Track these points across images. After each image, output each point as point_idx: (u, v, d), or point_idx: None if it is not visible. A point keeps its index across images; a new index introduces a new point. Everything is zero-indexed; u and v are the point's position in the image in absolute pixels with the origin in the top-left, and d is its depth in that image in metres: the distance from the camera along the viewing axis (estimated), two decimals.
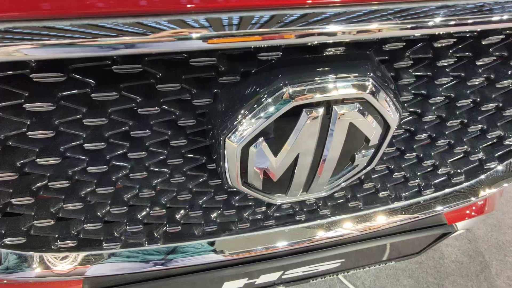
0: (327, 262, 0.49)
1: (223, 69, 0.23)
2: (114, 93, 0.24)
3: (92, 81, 0.23)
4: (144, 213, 0.37)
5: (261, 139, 0.24)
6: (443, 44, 0.27)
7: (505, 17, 0.21)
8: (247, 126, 0.23)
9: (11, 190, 0.31)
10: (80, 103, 0.25)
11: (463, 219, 0.67)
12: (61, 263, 0.38)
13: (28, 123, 0.25)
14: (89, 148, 0.27)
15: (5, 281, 0.39)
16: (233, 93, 0.24)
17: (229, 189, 0.37)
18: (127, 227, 0.37)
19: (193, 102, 0.24)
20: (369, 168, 0.32)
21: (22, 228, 0.35)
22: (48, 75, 0.21)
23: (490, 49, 0.29)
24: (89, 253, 0.38)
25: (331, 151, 0.27)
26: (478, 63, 0.29)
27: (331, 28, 0.20)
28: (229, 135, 0.24)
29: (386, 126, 0.26)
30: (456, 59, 0.28)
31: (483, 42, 0.27)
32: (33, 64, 0.22)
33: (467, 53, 0.29)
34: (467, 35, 0.28)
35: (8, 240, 0.35)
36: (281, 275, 0.50)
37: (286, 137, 0.25)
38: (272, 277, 0.49)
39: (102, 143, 0.27)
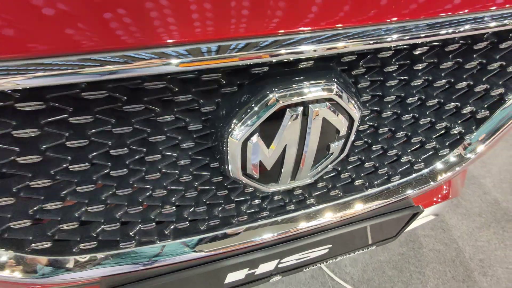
0: (317, 248, 0.55)
1: (223, 82, 0.31)
2: (141, 105, 0.30)
3: (125, 97, 0.30)
4: (156, 212, 0.42)
5: (256, 135, 0.31)
6: (387, 55, 0.35)
7: (422, 35, 0.30)
8: (245, 125, 0.30)
9: (42, 198, 0.35)
10: (110, 116, 0.31)
11: (431, 204, 0.76)
12: (81, 265, 0.42)
13: (67, 134, 0.30)
14: (114, 154, 0.33)
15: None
16: (232, 100, 0.31)
17: (229, 186, 0.43)
18: (142, 226, 0.43)
19: (201, 109, 0.31)
20: (342, 156, 0.39)
21: (48, 233, 0.39)
22: (97, 93, 0.28)
23: (423, 57, 0.38)
24: (107, 253, 0.42)
25: (310, 142, 0.34)
26: (416, 68, 0.39)
27: (294, 49, 0.28)
28: (232, 133, 0.31)
29: (351, 120, 0.34)
30: (397, 66, 0.37)
31: (415, 53, 0.36)
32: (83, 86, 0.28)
33: (406, 61, 0.38)
34: (404, 47, 0.37)
35: (34, 246, 0.39)
36: (277, 264, 0.56)
37: (275, 133, 0.32)
38: (270, 266, 0.55)
39: (125, 148, 0.33)
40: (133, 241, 0.44)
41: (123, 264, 0.44)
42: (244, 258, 0.48)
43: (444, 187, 0.79)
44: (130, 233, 0.44)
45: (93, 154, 0.33)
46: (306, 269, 0.62)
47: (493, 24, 0.36)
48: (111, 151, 0.33)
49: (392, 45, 0.32)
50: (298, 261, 0.58)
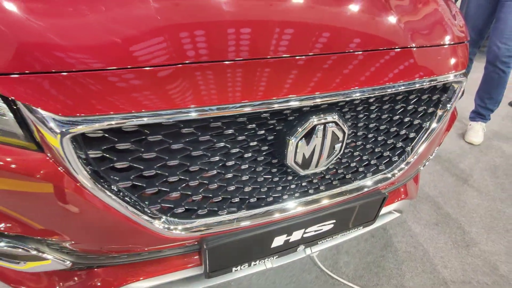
0: (327, 222, 0.87)
1: (289, 116, 0.66)
2: (243, 137, 0.64)
3: (234, 131, 0.64)
4: (238, 192, 0.73)
5: (303, 139, 0.66)
6: (356, 103, 0.74)
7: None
8: (297, 134, 0.65)
9: (179, 185, 0.65)
10: (232, 142, 0.64)
11: (396, 199, 1.11)
12: (195, 227, 0.70)
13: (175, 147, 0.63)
14: (222, 159, 0.66)
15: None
16: (292, 123, 0.66)
17: (280, 175, 0.75)
18: (231, 201, 0.73)
19: (268, 137, 0.66)
20: (340, 153, 0.74)
21: (182, 204, 0.68)
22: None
23: (375, 105, 0.77)
24: (210, 219, 0.71)
25: (326, 144, 0.69)
26: (372, 109, 0.77)
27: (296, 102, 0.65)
28: (291, 138, 0.65)
29: (343, 133, 0.70)
30: (363, 108, 0.75)
31: (371, 101, 0.75)
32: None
33: (368, 106, 0.76)
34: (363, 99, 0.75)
35: (175, 211, 0.68)
36: (302, 234, 0.86)
37: (310, 139, 0.67)
38: (298, 235, 0.85)
39: (238, 152, 0.66)
40: (225, 212, 0.73)
41: (217, 226, 0.72)
42: (285, 224, 0.78)
43: (402, 189, 1.15)
44: (224, 206, 0.74)
45: (218, 158, 0.65)
46: (319, 242, 0.93)
47: (408, 87, 0.75)
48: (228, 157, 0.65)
49: (356, 99, 0.69)
50: (315, 233, 0.88)
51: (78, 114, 0.50)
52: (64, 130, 0.50)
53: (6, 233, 0.68)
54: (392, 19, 0.80)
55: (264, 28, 0.65)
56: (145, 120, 0.52)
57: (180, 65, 0.56)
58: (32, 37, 0.53)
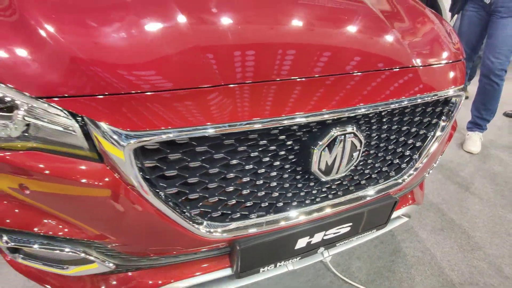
0: (345, 225, 0.94)
1: (314, 129, 0.75)
2: (274, 147, 0.73)
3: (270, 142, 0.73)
4: (267, 197, 0.81)
5: (326, 148, 0.74)
6: (368, 117, 0.83)
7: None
8: (321, 144, 0.74)
9: (217, 191, 0.73)
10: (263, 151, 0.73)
11: (404, 204, 1.19)
12: (229, 229, 0.77)
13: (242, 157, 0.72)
14: (255, 167, 0.74)
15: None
16: (316, 135, 0.75)
17: (303, 182, 0.84)
18: (261, 206, 0.80)
19: (294, 147, 0.74)
20: (357, 160, 0.83)
21: (218, 208, 0.76)
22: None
23: (386, 118, 0.86)
24: (242, 223, 0.78)
25: (345, 152, 0.77)
26: (383, 121, 0.86)
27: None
28: (315, 148, 0.74)
29: (360, 142, 0.79)
30: (376, 120, 0.84)
31: (383, 114, 0.84)
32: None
33: (379, 118, 0.85)
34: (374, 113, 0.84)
35: (213, 215, 0.75)
36: (323, 236, 0.93)
37: (333, 148, 0.76)
38: (319, 237, 0.92)
39: (270, 161, 0.75)
40: (255, 216, 0.81)
41: (249, 229, 0.80)
42: (308, 226, 0.86)
43: (409, 195, 1.23)
44: (254, 210, 0.81)
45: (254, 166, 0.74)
46: (337, 244, 1.00)
47: (410, 102, 0.85)
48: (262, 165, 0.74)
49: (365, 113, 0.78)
50: (334, 235, 0.95)
51: (141, 129, 0.59)
52: (129, 143, 0.59)
53: (59, 237, 0.75)
54: (401, 42, 0.91)
55: (296, 51, 0.76)
56: (197, 133, 0.61)
57: (222, 86, 0.66)
58: (101, 64, 0.62)
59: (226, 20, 0.79)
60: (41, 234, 0.75)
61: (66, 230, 0.74)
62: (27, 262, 0.83)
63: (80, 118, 0.61)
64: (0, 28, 0.68)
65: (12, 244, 0.77)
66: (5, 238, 0.77)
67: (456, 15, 2.42)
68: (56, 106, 0.61)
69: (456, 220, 1.76)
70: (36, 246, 0.76)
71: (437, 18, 1.19)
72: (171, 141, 0.63)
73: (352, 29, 0.90)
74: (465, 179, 2.13)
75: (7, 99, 0.62)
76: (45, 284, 0.89)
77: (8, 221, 0.74)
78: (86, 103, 0.60)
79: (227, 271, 0.90)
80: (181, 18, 0.75)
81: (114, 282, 0.88)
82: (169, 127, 0.60)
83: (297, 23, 0.86)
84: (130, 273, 0.88)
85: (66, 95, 0.60)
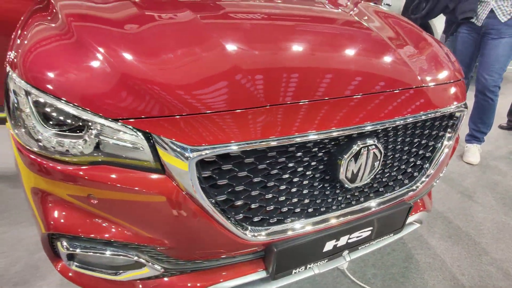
0: (366, 229, 1.03)
1: (340, 142, 0.86)
2: (307, 159, 0.84)
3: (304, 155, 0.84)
4: (299, 204, 0.91)
5: (352, 158, 0.85)
6: (384, 131, 0.94)
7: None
8: (348, 154, 0.84)
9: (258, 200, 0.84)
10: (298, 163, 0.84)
11: (417, 211, 1.29)
12: (268, 233, 0.86)
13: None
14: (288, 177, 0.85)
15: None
16: (342, 147, 0.85)
17: (331, 189, 0.94)
18: (294, 211, 0.90)
19: (324, 159, 0.85)
20: (377, 169, 0.93)
21: (258, 214, 0.85)
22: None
23: (400, 131, 0.97)
24: (281, 227, 0.87)
25: (368, 162, 0.88)
26: (397, 135, 0.98)
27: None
28: (343, 159, 0.84)
29: (380, 153, 0.90)
30: (392, 134, 0.95)
31: (399, 128, 0.96)
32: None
33: (394, 132, 0.97)
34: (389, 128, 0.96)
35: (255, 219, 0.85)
36: (347, 240, 1.02)
37: (357, 158, 0.87)
38: (344, 240, 1.01)
39: (303, 171, 0.85)
40: (290, 221, 0.90)
41: (286, 232, 0.89)
42: (334, 230, 0.95)
43: (420, 203, 1.33)
44: (288, 216, 0.91)
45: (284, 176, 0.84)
46: (360, 247, 1.09)
47: (418, 118, 0.97)
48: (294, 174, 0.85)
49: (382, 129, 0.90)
50: (357, 239, 1.04)
51: (203, 144, 0.70)
52: (193, 156, 0.69)
53: (116, 241, 0.84)
54: (411, 67, 1.04)
55: (330, 76, 0.88)
56: (249, 147, 0.72)
57: (268, 107, 0.77)
58: (167, 90, 0.74)
59: (268, 53, 0.93)
60: (100, 239, 0.83)
61: (123, 235, 0.83)
62: (81, 269, 0.91)
63: (148, 136, 0.72)
64: (80, 61, 0.80)
65: (72, 250, 0.85)
66: (65, 244, 0.86)
67: (448, 37, 2.61)
68: (128, 126, 0.72)
69: (462, 228, 1.85)
70: (94, 251, 0.85)
71: (436, 42, 1.34)
72: (225, 154, 0.74)
73: (370, 57, 1.04)
74: (467, 189, 2.24)
75: (84, 120, 0.73)
76: None
77: (69, 228, 0.83)
78: (155, 123, 0.71)
79: (262, 274, 0.98)
80: (231, 53, 0.88)
81: (161, 285, 0.95)
82: (228, 142, 0.71)
83: (326, 52, 1.00)
84: (174, 277, 0.96)
85: (138, 117, 0.71)
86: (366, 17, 1.39)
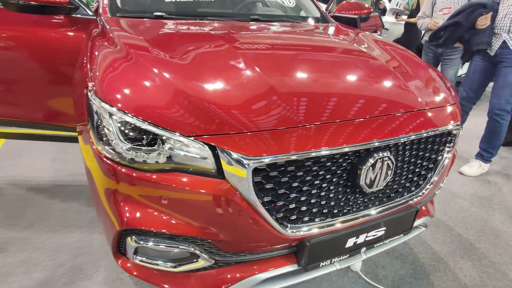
0: (381, 228, 1.22)
1: (361, 155, 1.06)
2: (335, 168, 1.04)
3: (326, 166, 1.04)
4: (327, 206, 1.09)
5: (370, 168, 1.05)
6: (396, 146, 1.15)
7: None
8: (367, 164, 1.04)
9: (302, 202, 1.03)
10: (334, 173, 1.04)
11: (422, 216, 1.47)
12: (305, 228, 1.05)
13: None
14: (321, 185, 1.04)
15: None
16: (363, 159, 1.05)
17: (352, 193, 1.13)
18: (322, 211, 1.09)
19: (347, 168, 1.05)
20: (390, 177, 1.13)
21: (300, 215, 1.04)
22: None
23: (408, 146, 1.18)
24: (314, 225, 1.06)
25: (383, 171, 1.08)
26: (407, 149, 1.18)
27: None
28: (363, 168, 1.04)
29: (392, 163, 1.09)
30: (402, 147, 1.15)
31: (406, 143, 1.17)
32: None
33: (404, 147, 1.17)
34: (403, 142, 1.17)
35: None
36: (365, 238, 1.20)
37: (374, 167, 1.06)
38: (362, 238, 1.19)
39: (332, 179, 1.05)
40: (318, 219, 1.09)
41: (317, 229, 1.07)
42: (355, 228, 1.13)
43: (425, 208, 1.52)
44: (317, 215, 1.09)
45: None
46: (375, 245, 1.27)
47: (421, 135, 1.18)
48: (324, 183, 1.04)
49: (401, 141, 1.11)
50: (373, 237, 1.22)
51: (258, 155, 0.90)
52: (251, 164, 0.89)
53: (179, 235, 1.02)
54: (415, 93, 1.26)
55: (356, 100, 1.11)
56: (292, 158, 0.92)
57: (307, 126, 0.98)
58: (228, 112, 0.95)
59: (304, 81, 1.15)
60: (167, 234, 1.02)
61: (186, 230, 1.01)
62: (144, 263, 1.08)
63: (214, 148, 0.92)
64: (157, 87, 1.02)
65: (142, 243, 1.03)
66: (134, 238, 1.04)
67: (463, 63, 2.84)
68: (199, 141, 0.92)
69: (462, 235, 2.03)
70: (161, 244, 1.03)
71: (433, 69, 1.56)
72: (273, 163, 0.94)
73: (383, 85, 1.27)
74: (466, 200, 2.42)
75: (159, 135, 0.93)
76: (154, 282, 1.14)
77: (142, 224, 1.01)
78: (220, 139, 0.91)
79: (294, 267, 1.16)
80: (271, 81, 1.10)
81: (210, 276, 1.13)
82: (276, 153, 0.91)
83: (353, 81, 1.25)
84: (220, 269, 1.13)
85: (207, 134, 0.92)
86: (373, 48, 1.62)
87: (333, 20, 2.28)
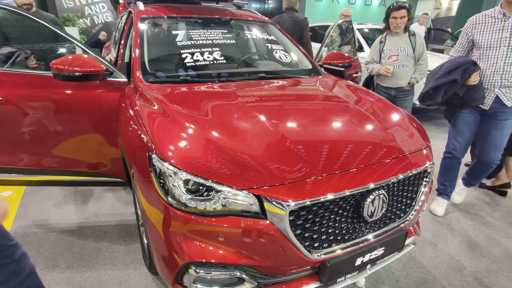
0: (380, 248, 1.55)
1: (360, 195, 1.42)
2: (344, 204, 1.39)
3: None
4: (342, 233, 1.43)
5: (370, 202, 1.40)
6: (386, 186, 1.52)
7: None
8: (369, 200, 1.40)
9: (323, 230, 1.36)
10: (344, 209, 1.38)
11: (411, 236, 1.83)
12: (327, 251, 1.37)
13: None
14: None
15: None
16: (363, 196, 1.41)
17: (357, 223, 1.47)
18: (337, 238, 1.42)
19: (353, 203, 1.40)
20: (385, 208, 1.48)
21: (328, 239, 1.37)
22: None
23: (396, 184, 1.55)
24: (333, 249, 1.38)
25: (379, 204, 1.44)
26: (394, 187, 1.55)
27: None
28: (365, 203, 1.39)
29: (386, 198, 1.45)
30: (390, 185, 1.52)
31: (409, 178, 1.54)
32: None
33: (390, 186, 1.54)
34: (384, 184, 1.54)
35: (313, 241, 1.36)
36: (369, 256, 1.53)
37: (373, 202, 1.42)
38: (367, 257, 1.52)
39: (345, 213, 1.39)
40: (337, 244, 1.42)
41: (335, 252, 1.40)
42: (362, 250, 1.46)
43: (412, 230, 1.88)
44: (334, 241, 1.42)
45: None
46: (377, 262, 1.59)
47: (406, 175, 1.56)
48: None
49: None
50: (375, 256, 1.55)
51: (294, 200, 1.24)
52: (289, 207, 1.23)
53: (230, 264, 1.32)
54: (400, 143, 1.66)
55: (359, 150, 1.47)
56: (317, 202, 1.27)
57: (325, 176, 1.34)
58: (269, 170, 1.30)
59: (318, 134, 1.53)
60: (222, 264, 1.32)
61: (236, 259, 1.32)
62: None
63: (260, 197, 1.25)
64: (209, 148, 1.36)
65: (202, 272, 1.32)
66: (194, 268, 1.33)
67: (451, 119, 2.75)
68: (249, 193, 1.25)
69: (445, 249, 2.39)
70: (216, 272, 1.33)
71: (412, 120, 1.98)
72: (303, 206, 1.28)
73: (374, 137, 1.66)
74: (445, 219, 2.82)
75: (215, 188, 1.26)
76: None
77: (203, 257, 1.31)
78: (265, 190, 1.25)
79: (316, 284, 1.47)
80: (294, 140, 1.46)
81: None
82: (305, 198, 1.26)
83: (355, 134, 1.63)
84: None
85: (255, 187, 1.25)
86: (362, 102, 2.04)
87: (324, 72, 2.71)
